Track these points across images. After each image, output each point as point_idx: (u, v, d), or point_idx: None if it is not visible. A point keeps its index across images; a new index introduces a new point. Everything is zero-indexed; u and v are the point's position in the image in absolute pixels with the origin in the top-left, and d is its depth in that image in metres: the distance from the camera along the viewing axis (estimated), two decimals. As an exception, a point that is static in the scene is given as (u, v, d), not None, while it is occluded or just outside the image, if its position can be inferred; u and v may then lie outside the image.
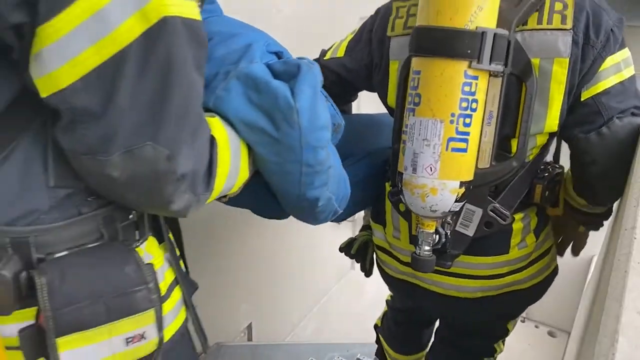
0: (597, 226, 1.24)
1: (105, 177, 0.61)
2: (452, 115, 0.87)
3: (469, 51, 0.85)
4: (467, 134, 0.89)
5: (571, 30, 0.94)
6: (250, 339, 2.01)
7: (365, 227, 1.47)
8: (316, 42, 1.93)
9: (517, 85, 0.95)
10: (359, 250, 1.44)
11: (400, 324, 1.56)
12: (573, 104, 1.00)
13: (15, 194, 0.62)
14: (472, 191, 0.96)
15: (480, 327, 1.34)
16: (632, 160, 1.13)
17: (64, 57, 0.54)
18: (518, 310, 1.33)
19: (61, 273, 0.63)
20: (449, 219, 1.04)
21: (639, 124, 0.99)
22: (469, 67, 0.86)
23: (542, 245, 1.19)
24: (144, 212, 0.73)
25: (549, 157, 1.18)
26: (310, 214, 0.91)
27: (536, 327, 6.20)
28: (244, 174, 0.78)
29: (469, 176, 0.94)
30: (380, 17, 1.17)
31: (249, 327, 1.98)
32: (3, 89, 0.59)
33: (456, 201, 0.94)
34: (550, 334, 6.19)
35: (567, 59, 0.95)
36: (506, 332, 1.37)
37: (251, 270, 1.89)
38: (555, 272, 1.27)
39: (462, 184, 0.92)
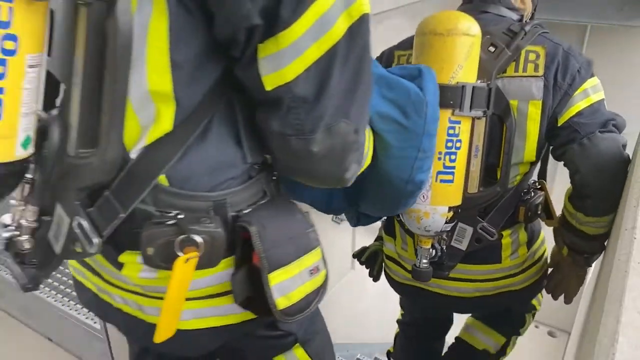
0: (589, 259, 1.35)
1: (305, 152, 0.70)
2: (440, 153, 1.05)
3: (451, 102, 1.02)
4: (453, 167, 1.07)
5: (542, 77, 1.12)
6: (250, 339, 2.01)
7: (379, 238, 1.60)
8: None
9: (499, 123, 1.14)
10: (369, 258, 1.58)
11: (411, 338, 1.67)
12: (553, 132, 1.16)
13: (214, 166, 0.74)
14: (464, 212, 1.16)
15: (503, 311, 1.54)
16: (632, 161, 1.14)
17: (294, 56, 0.64)
18: (514, 304, 1.51)
19: (260, 223, 0.76)
20: (444, 235, 1.20)
21: (621, 142, 1.13)
22: (452, 114, 1.04)
23: (535, 255, 1.36)
24: (312, 184, 0.82)
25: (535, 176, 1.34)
26: (409, 198, 1.00)
27: (536, 327, 6.20)
28: (369, 158, 0.89)
29: (456, 202, 1.11)
30: (384, 63, 1.31)
31: (249, 328, 1.99)
32: (207, 79, 0.69)
33: (446, 222, 1.12)
34: (550, 334, 6.19)
35: (540, 101, 1.13)
36: (532, 307, 1.59)
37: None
38: (546, 274, 1.43)
39: (450, 208, 1.10)
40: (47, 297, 1.90)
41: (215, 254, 0.74)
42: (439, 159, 1.06)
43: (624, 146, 1.14)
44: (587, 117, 1.13)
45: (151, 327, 0.79)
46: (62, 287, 1.95)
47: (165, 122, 0.68)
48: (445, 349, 1.79)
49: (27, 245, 0.72)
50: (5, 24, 0.55)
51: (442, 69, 1.01)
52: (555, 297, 1.44)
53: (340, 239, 2.62)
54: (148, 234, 0.71)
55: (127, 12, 0.58)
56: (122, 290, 0.83)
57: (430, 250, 1.19)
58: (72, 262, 0.90)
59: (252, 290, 0.80)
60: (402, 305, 1.77)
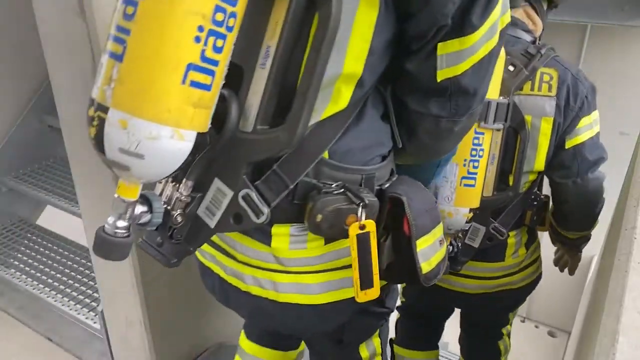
0: (573, 247, 1.62)
1: (448, 132, 0.83)
2: (465, 160, 1.18)
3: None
4: (475, 174, 1.20)
5: (555, 97, 1.28)
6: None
7: None
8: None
9: (514, 135, 1.29)
10: None
11: (412, 318, 1.76)
12: (558, 150, 1.33)
13: (367, 143, 0.81)
14: (478, 213, 1.28)
15: (487, 317, 1.70)
16: (632, 161, 1.15)
17: (469, 55, 0.74)
18: (511, 303, 1.65)
19: (407, 194, 0.83)
20: (459, 234, 1.33)
21: (603, 179, 1.39)
22: (478, 126, 1.17)
23: (531, 256, 1.53)
24: (423, 159, 0.97)
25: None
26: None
27: (536, 327, 6.21)
28: None
29: (476, 204, 1.23)
30: None
31: (249, 327, 1.99)
32: (382, 66, 0.77)
33: (466, 222, 1.26)
34: (550, 334, 6.20)
35: (552, 118, 1.29)
36: (508, 320, 1.72)
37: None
38: (540, 276, 1.60)
39: (471, 210, 1.23)
40: (47, 297, 1.90)
41: (375, 219, 0.79)
42: (464, 165, 1.18)
43: (603, 180, 1.41)
44: (588, 149, 1.33)
45: (283, 307, 0.85)
46: (62, 287, 1.95)
47: (343, 101, 0.74)
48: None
49: (179, 220, 0.74)
50: (233, 2, 0.60)
51: None
52: (561, 270, 1.69)
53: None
54: (322, 202, 0.75)
55: (339, 1, 0.63)
56: (257, 269, 0.86)
57: (449, 247, 1.30)
58: (203, 246, 0.91)
59: (393, 256, 0.86)
60: (405, 294, 1.83)
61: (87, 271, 2.04)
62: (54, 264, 2.09)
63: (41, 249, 2.19)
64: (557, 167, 1.36)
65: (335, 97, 0.74)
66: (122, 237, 0.68)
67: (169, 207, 0.74)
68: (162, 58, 0.58)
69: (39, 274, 2.03)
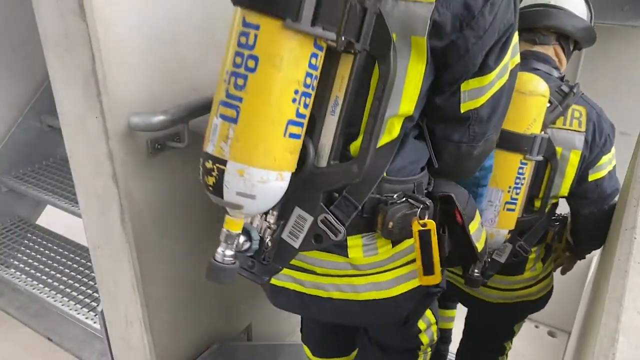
0: (581, 256, 1.79)
1: (468, 155, 1.00)
2: (509, 187, 1.30)
3: (525, 148, 1.27)
4: (516, 199, 1.33)
5: (584, 132, 1.40)
6: (250, 339, 2.00)
7: None
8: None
9: (545, 164, 1.40)
10: None
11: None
12: (581, 181, 1.46)
13: (413, 160, 0.98)
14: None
15: (495, 328, 1.82)
16: (632, 161, 1.15)
17: (487, 90, 0.92)
18: (526, 314, 1.81)
19: (452, 191, 1.02)
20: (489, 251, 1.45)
21: (612, 206, 1.54)
22: (524, 157, 1.29)
23: (546, 269, 1.68)
24: (450, 178, 1.10)
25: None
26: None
27: (536, 327, 6.19)
28: None
29: (513, 226, 1.37)
30: None
31: (249, 327, 1.98)
32: (422, 104, 0.94)
33: (504, 242, 1.41)
34: (550, 334, 6.19)
35: (580, 152, 1.41)
36: (513, 333, 1.85)
37: (251, 270, 1.89)
38: (552, 288, 1.75)
39: (509, 231, 1.37)
40: (47, 297, 1.90)
41: (430, 217, 0.97)
42: (508, 191, 1.31)
43: (614, 207, 1.54)
44: (607, 183, 1.48)
45: (363, 304, 1.02)
46: (62, 287, 1.95)
47: (395, 132, 0.92)
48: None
49: (270, 244, 0.91)
50: (315, 67, 0.77)
51: (521, 120, 1.24)
52: (554, 270, 1.79)
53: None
54: (391, 211, 0.91)
55: (395, 59, 0.81)
56: (336, 277, 1.01)
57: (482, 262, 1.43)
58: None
59: (452, 244, 1.05)
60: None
61: (87, 271, 2.04)
62: (54, 264, 2.09)
63: (41, 249, 2.19)
64: (579, 197, 1.50)
65: (389, 129, 0.91)
66: (229, 263, 0.86)
67: (260, 235, 0.91)
68: (269, 118, 0.74)
69: (39, 274, 2.03)
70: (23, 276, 2.01)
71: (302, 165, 0.84)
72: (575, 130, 1.41)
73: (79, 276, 2.02)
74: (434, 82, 0.92)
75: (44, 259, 2.13)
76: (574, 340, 3.03)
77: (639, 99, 4.77)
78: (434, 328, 1.27)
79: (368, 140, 0.84)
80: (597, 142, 1.42)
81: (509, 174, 1.29)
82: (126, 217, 1.28)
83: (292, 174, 0.83)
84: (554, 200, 1.53)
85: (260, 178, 0.76)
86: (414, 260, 1.01)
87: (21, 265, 2.08)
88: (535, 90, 1.25)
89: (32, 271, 2.04)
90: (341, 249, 0.98)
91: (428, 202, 0.96)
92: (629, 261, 0.93)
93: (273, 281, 1.10)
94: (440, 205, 1.02)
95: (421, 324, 1.24)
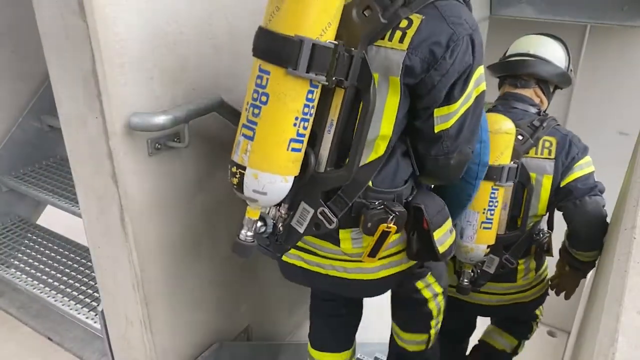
0: (583, 273, 1.91)
1: (445, 165, 1.22)
2: (484, 209, 1.58)
3: (494, 177, 1.53)
4: (492, 219, 1.59)
5: (554, 159, 1.68)
6: (250, 339, 2.01)
7: None
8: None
9: (522, 188, 1.68)
10: None
11: (440, 339, 1.81)
12: (557, 190, 1.70)
13: (396, 173, 1.22)
14: (493, 247, 1.67)
15: (515, 316, 2.13)
16: (631, 160, 1.15)
17: (454, 115, 1.16)
18: (524, 312, 2.06)
19: (424, 203, 1.24)
20: (479, 263, 1.73)
21: (602, 203, 1.67)
22: (494, 184, 1.55)
23: (539, 277, 1.93)
24: (439, 182, 1.38)
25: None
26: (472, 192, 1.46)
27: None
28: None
29: (492, 241, 1.64)
30: None
31: (249, 328, 1.98)
32: (401, 126, 1.19)
33: (484, 255, 1.66)
34: (550, 333, 6.20)
35: (552, 176, 1.69)
36: (535, 317, 2.16)
37: (251, 270, 1.89)
38: (547, 292, 2.00)
39: (488, 246, 1.63)
40: (48, 297, 1.90)
41: (400, 224, 1.19)
42: (483, 212, 1.57)
43: (604, 206, 1.69)
44: (581, 182, 1.67)
45: (351, 282, 1.31)
46: (62, 286, 1.95)
47: (380, 151, 1.16)
48: (468, 351, 2.33)
49: (281, 229, 1.18)
50: (312, 100, 1.03)
51: (490, 154, 1.43)
52: (557, 294, 1.97)
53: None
54: (370, 214, 1.16)
55: (374, 93, 1.05)
56: (332, 260, 1.30)
57: (471, 272, 1.71)
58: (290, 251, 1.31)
59: (419, 245, 1.28)
60: None
61: (87, 271, 2.04)
62: (54, 264, 2.09)
63: (41, 249, 2.19)
64: (559, 199, 1.72)
65: (375, 149, 1.16)
66: (249, 242, 1.12)
67: (274, 221, 1.16)
68: (275, 138, 1.01)
69: (39, 274, 2.03)
70: (23, 276, 2.01)
71: (306, 170, 1.10)
72: (545, 158, 1.69)
73: (79, 276, 2.02)
74: (411, 110, 1.17)
75: (44, 259, 2.13)
76: (574, 340, 3.04)
77: (638, 99, 4.77)
78: (440, 298, 1.54)
79: (354, 153, 1.09)
80: (563, 162, 1.69)
81: (483, 198, 1.55)
82: (126, 217, 1.28)
83: (298, 176, 1.08)
84: (535, 219, 1.78)
85: (269, 180, 1.03)
86: (394, 254, 1.31)
87: (21, 265, 2.08)
88: (500, 129, 1.52)
89: (33, 271, 2.04)
90: (335, 240, 1.26)
91: (400, 211, 1.18)
92: (628, 261, 0.93)
93: (285, 259, 1.37)
94: (413, 213, 1.25)
95: (425, 292, 1.49)
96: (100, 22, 1.08)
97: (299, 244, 1.27)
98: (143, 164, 1.28)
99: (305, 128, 1.02)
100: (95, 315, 1.79)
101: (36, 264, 2.09)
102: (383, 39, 1.08)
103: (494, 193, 1.56)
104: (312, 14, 0.95)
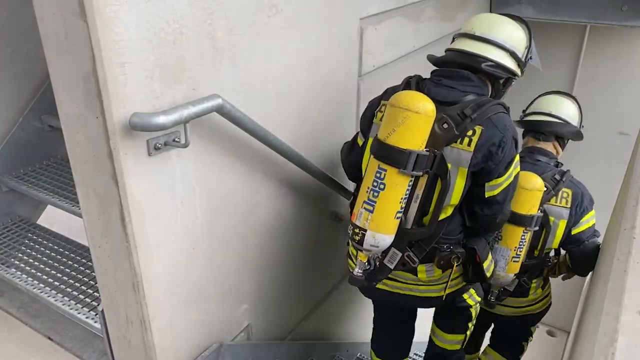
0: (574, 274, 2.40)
1: (493, 221, 1.68)
2: (515, 248, 1.96)
3: (526, 224, 1.92)
4: (519, 255, 1.98)
5: (569, 208, 2.10)
6: (250, 338, 2.01)
7: None
8: (316, 42, 1.93)
9: (541, 229, 2.08)
10: None
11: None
12: (567, 235, 2.14)
13: (458, 224, 1.68)
14: (520, 273, 2.08)
15: (515, 332, 2.61)
16: (631, 160, 1.14)
17: (501, 185, 1.59)
18: (532, 322, 2.52)
19: (476, 245, 1.69)
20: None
21: (597, 243, 2.16)
22: (525, 229, 1.93)
23: (544, 292, 2.39)
24: (485, 232, 1.79)
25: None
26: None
27: (536, 326, 6.19)
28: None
29: (518, 270, 2.02)
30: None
31: (249, 327, 1.98)
32: (462, 198, 1.62)
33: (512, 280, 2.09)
34: (550, 333, 6.20)
35: (566, 221, 2.11)
36: (530, 333, 2.61)
37: (251, 270, 1.89)
38: (550, 304, 2.44)
39: (515, 275, 2.03)
40: (48, 296, 1.90)
41: (461, 260, 1.69)
42: (514, 250, 1.98)
43: (598, 245, 2.16)
44: (586, 234, 2.13)
45: (424, 298, 1.79)
46: (62, 286, 1.96)
47: (449, 213, 1.61)
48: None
49: (377, 266, 1.60)
50: (409, 189, 1.50)
51: (524, 206, 1.93)
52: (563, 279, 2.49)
53: (341, 238, 2.62)
54: (441, 255, 1.66)
55: (448, 178, 1.52)
56: (410, 284, 1.77)
57: (496, 292, 2.18)
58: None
59: (473, 272, 1.75)
60: None
61: (87, 271, 2.04)
62: (55, 264, 2.09)
63: (42, 249, 2.19)
64: (568, 242, 2.17)
65: (445, 212, 1.60)
66: (360, 277, 1.59)
67: (372, 261, 1.59)
68: (388, 212, 1.46)
69: (39, 274, 2.03)
70: (24, 276, 2.01)
71: (399, 228, 1.52)
72: (563, 207, 2.10)
73: (79, 276, 2.02)
74: (471, 182, 1.60)
75: (44, 258, 2.13)
76: (574, 340, 3.04)
77: (638, 99, 4.76)
78: (477, 306, 2.00)
79: (433, 218, 1.57)
80: (576, 212, 2.11)
81: (515, 239, 1.94)
82: (126, 216, 1.28)
83: None
84: (547, 250, 2.20)
85: (382, 238, 1.48)
86: (455, 278, 1.78)
87: (22, 265, 2.08)
88: (534, 187, 1.90)
89: (33, 271, 2.05)
90: (414, 271, 1.72)
91: (460, 252, 1.68)
92: (628, 261, 0.94)
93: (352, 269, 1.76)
94: (469, 251, 1.70)
95: (469, 300, 1.94)
96: (101, 22, 1.08)
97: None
98: (143, 164, 1.28)
99: (405, 203, 1.49)
100: (96, 315, 1.79)
101: (36, 263, 2.09)
102: (456, 142, 1.53)
103: (524, 235, 1.94)
104: (415, 136, 1.43)
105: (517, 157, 1.62)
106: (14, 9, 2.14)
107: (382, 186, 1.44)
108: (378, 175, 1.44)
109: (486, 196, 1.60)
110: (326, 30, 1.93)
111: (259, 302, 1.99)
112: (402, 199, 1.46)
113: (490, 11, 3.93)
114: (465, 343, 2.10)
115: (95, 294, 1.91)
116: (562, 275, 2.40)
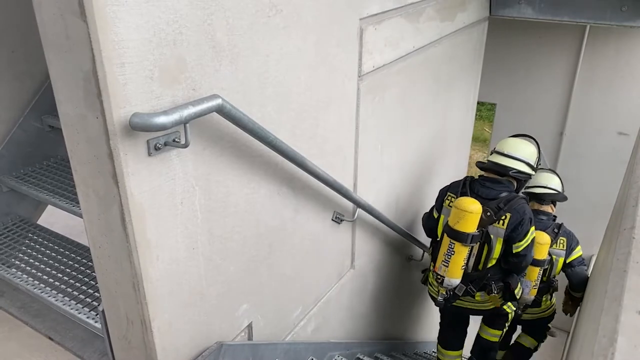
0: (578, 303, 3.44)
1: (520, 264, 2.75)
2: (534, 280, 3.02)
3: (541, 264, 3.07)
4: (537, 285, 3.07)
5: (565, 250, 3.25)
6: (250, 338, 2.01)
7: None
8: (316, 42, 1.93)
9: (550, 267, 3.29)
10: None
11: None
12: (564, 264, 3.26)
13: (497, 269, 2.81)
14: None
15: (535, 328, 3.66)
16: (630, 161, 1.15)
17: (523, 245, 2.69)
18: (545, 322, 3.59)
19: (510, 280, 2.83)
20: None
21: (585, 269, 3.34)
22: (540, 269, 3.05)
23: (551, 303, 3.48)
24: (514, 272, 2.85)
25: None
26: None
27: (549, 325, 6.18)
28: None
29: (535, 293, 3.13)
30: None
31: (249, 327, 1.98)
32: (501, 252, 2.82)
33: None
34: (550, 333, 6.19)
35: (563, 257, 3.25)
36: (547, 328, 3.67)
37: (251, 270, 1.89)
38: (554, 313, 3.56)
39: (534, 296, 3.14)
40: (48, 296, 1.91)
41: (502, 290, 2.83)
42: (534, 281, 3.03)
43: (586, 270, 3.33)
44: (575, 261, 3.24)
45: (478, 310, 2.99)
46: (63, 286, 1.96)
47: (494, 262, 2.73)
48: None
49: (451, 294, 2.79)
50: (469, 253, 2.72)
51: (539, 253, 2.98)
52: (565, 314, 3.58)
53: (340, 238, 2.62)
54: (489, 288, 2.77)
55: (492, 244, 2.69)
56: (470, 302, 2.91)
57: (521, 306, 3.12)
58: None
59: (507, 295, 2.83)
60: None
61: (87, 270, 2.04)
62: (55, 264, 2.10)
63: (42, 249, 2.20)
64: (564, 267, 3.27)
65: (491, 262, 2.72)
66: (442, 302, 2.82)
67: (448, 292, 2.77)
68: (458, 266, 2.56)
69: (40, 274, 2.03)
70: (24, 276, 2.02)
71: (464, 273, 2.56)
72: (561, 249, 3.22)
73: (80, 276, 2.02)
74: (505, 245, 2.58)
75: (45, 258, 2.13)
76: (574, 340, 3.05)
77: (638, 99, 4.76)
78: (513, 313, 2.97)
79: (485, 267, 2.69)
80: (569, 250, 3.23)
81: (535, 275, 2.98)
82: (126, 217, 1.28)
83: None
84: (552, 275, 3.28)
85: (454, 281, 2.58)
86: (498, 299, 2.84)
87: (22, 265, 2.08)
88: (546, 242, 2.95)
89: (34, 271, 2.05)
90: (473, 296, 2.79)
91: (500, 285, 2.76)
92: (628, 261, 0.94)
93: (434, 295, 2.97)
94: (505, 284, 2.76)
95: (508, 309, 2.91)
96: (101, 22, 1.08)
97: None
98: (143, 164, 1.28)
99: (466, 260, 2.55)
100: (96, 315, 1.79)
101: (37, 263, 2.09)
102: (495, 223, 2.65)
103: (539, 272, 2.99)
104: (471, 225, 2.48)
105: (533, 228, 2.71)
106: (14, 9, 2.14)
107: (452, 252, 2.54)
108: (450, 246, 2.54)
109: (514, 252, 2.68)
110: (326, 31, 1.93)
111: (259, 302, 1.99)
112: (464, 258, 2.56)
113: (490, 11, 3.93)
114: (501, 337, 3.22)
115: (96, 294, 1.91)
116: (562, 307, 3.53)
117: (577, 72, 4.86)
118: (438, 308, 3.09)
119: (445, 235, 2.54)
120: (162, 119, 1.18)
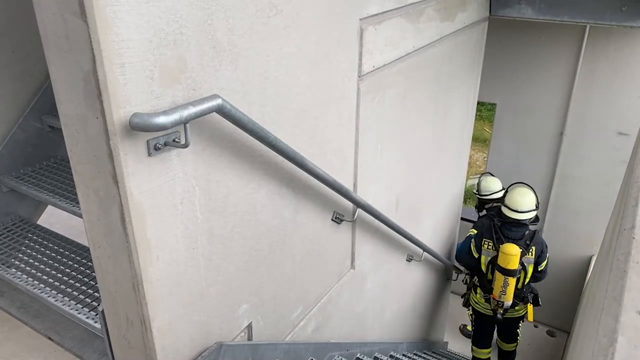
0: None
1: (541, 278, 4.20)
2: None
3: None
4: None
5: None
6: (250, 338, 2.01)
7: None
8: (316, 42, 1.93)
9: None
10: None
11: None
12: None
13: (529, 284, 4.33)
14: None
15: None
16: (630, 161, 1.15)
17: (543, 264, 4.13)
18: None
19: (538, 290, 4.42)
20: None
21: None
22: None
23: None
24: (537, 281, 4.42)
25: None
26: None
27: (535, 326, 6.21)
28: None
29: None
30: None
31: (249, 327, 1.98)
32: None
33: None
34: (550, 333, 6.21)
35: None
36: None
37: (251, 270, 1.89)
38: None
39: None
40: (48, 296, 1.91)
41: (533, 300, 4.30)
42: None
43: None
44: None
45: (516, 318, 4.44)
46: (62, 286, 1.96)
47: (527, 280, 4.10)
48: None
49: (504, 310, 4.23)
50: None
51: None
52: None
53: (340, 238, 2.62)
54: (526, 299, 4.23)
55: (526, 269, 4.07)
56: (513, 312, 4.28)
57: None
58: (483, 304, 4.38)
59: (535, 302, 4.30)
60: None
61: (87, 271, 2.04)
62: (55, 264, 2.10)
63: (42, 249, 2.20)
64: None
65: (526, 280, 4.09)
66: (500, 318, 4.32)
67: (504, 310, 4.23)
68: (511, 293, 3.98)
69: (39, 274, 2.03)
70: (24, 276, 2.02)
71: None
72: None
73: (79, 276, 2.02)
74: (534, 268, 3.99)
75: (44, 259, 2.13)
76: (573, 340, 3.03)
77: (637, 99, 4.76)
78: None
79: (523, 284, 4.06)
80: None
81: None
82: (126, 217, 1.28)
83: None
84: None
85: (509, 303, 4.02)
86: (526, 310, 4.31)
87: (22, 265, 2.08)
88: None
89: (33, 271, 2.05)
90: (514, 307, 4.23)
91: (529, 296, 4.21)
92: (627, 261, 0.94)
93: (488, 313, 4.36)
94: (534, 294, 4.23)
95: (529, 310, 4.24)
96: (101, 22, 1.08)
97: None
98: (143, 164, 1.28)
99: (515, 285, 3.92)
100: (96, 315, 1.79)
101: (37, 264, 2.09)
102: (526, 255, 3.94)
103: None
104: (516, 262, 3.81)
105: (547, 254, 4.02)
106: (14, 9, 2.14)
107: (507, 284, 3.84)
108: (505, 281, 3.84)
109: (539, 269, 3.99)
110: (326, 31, 1.93)
111: (259, 302, 1.99)
112: (515, 285, 3.80)
113: (490, 11, 3.94)
114: (516, 346, 4.63)
115: (95, 294, 1.91)
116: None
117: (577, 72, 4.86)
118: (473, 318, 4.60)
119: (498, 273, 3.88)
120: (162, 119, 1.18)
